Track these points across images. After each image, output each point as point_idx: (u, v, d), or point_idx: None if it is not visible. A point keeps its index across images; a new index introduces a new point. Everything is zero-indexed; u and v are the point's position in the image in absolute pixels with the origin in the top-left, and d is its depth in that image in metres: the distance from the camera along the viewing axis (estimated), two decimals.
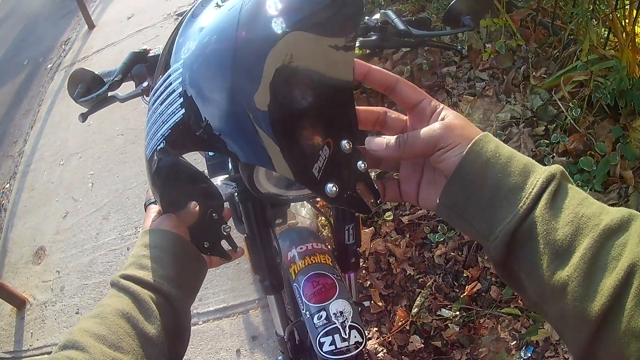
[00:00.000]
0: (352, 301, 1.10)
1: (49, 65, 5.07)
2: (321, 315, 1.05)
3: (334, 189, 0.59)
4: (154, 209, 0.85)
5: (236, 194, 1.04)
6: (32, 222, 3.37)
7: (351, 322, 1.05)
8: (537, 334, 1.78)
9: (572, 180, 0.54)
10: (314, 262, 1.14)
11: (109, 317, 0.65)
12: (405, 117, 0.65)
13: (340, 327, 1.04)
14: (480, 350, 1.83)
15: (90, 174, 3.45)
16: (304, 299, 1.09)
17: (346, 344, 1.02)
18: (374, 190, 0.65)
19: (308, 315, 1.07)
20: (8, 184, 3.86)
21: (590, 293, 0.46)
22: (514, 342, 1.81)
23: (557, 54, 2.25)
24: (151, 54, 1.04)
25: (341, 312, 1.05)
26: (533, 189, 0.51)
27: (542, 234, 0.50)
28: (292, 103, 0.59)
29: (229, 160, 1.32)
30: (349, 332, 1.03)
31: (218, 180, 1.02)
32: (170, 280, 0.72)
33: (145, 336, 0.66)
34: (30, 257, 3.14)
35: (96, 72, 1.05)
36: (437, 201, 0.59)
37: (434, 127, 0.57)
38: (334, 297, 1.07)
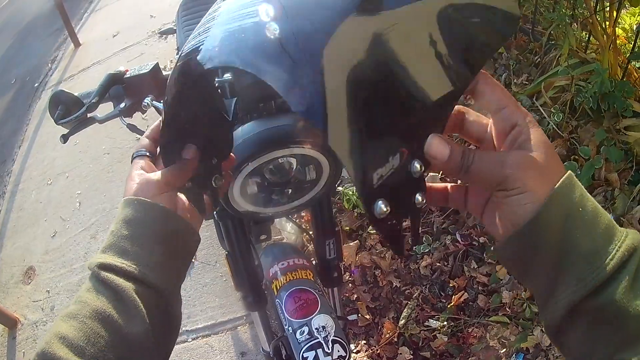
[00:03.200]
0: (334, 316, 1.10)
1: (36, 84, 5.06)
2: (303, 331, 1.05)
3: (385, 209, 0.46)
4: (139, 163, 0.68)
5: (215, 212, 1.04)
6: (22, 242, 3.35)
7: (334, 336, 1.05)
8: (527, 341, 1.78)
9: None
10: (295, 277, 1.15)
11: (87, 323, 0.56)
12: (486, 120, 0.53)
13: (323, 341, 1.04)
14: (469, 359, 1.83)
15: (78, 193, 3.44)
16: (286, 314, 1.09)
17: (329, 358, 1.02)
18: (417, 234, 0.57)
19: (291, 331, 1.07)
20: None
21: None
22: (504, 349, 1.81)
23: (538, 59, 2.27)
24: (127, 75, 1.05)
25: (323, 327, 1.06)
26: (612, 259, 0.43)
27: (614, 316, 0.43)
28: (392, 77, 0.46)
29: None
30: (332, 347, 1.04)
31: None
32: (157, 267, 0.61)
33: (129, 342, 0.57)
34: (21, 277, 3.12)
35: (75, 94, 1.05)
36: (496, 244, 0.50)
37: (504, 159, 0.46)
38: (316, 312, 1.08)
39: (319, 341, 1.04)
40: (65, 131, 1.07)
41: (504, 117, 0.49)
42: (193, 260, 2.58)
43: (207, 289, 2.46)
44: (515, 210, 0.46)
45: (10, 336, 2.85)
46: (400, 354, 1.89)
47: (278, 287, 1.14)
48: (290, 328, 1.07)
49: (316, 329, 1.05)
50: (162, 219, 0.63)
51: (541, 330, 1.78)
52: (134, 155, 0.70)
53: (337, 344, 1.04)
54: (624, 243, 0.44)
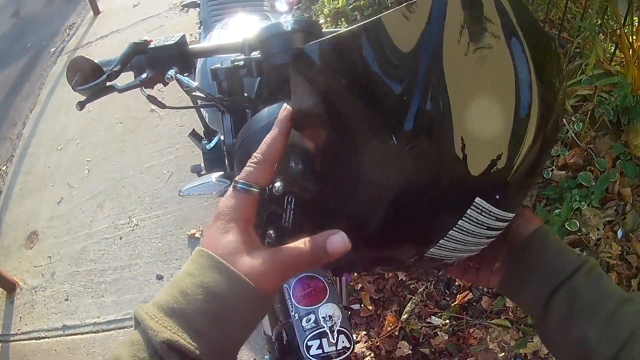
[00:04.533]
0: (342, 305, 1.09)
1: (52, 50, 5.05)
2: (310, 319, 1.04)
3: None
4: (244, 204, 0.51)
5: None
6: (27, 206, 3.36)
7: (340, 326, 1.04)
8: (526, 347, 1.77)
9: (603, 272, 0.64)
10: None
11: None
12: None
13: (328, 331, 1.03)
14: (468, 359, 1.83)
15: (87, 160, 3.44)
16: (293, 300, 1.08)
17: (334, 348, 1.01)
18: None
19: (297, 318, 1.06)
20: (5, 166, 3.84)
21: (604, 341, 0.56)
22: (503, 353, 1.81)
23: (563, 66, 2.24)
24: (152, 45, 1.03)
25: (330, 316, 1.05)
26: (572, 265, 0.61)
27: (572, 302, 0.60)
28: None
29: (226, 156, 1.31)
30: (337, 337, 1.03)
31: (212, 177, 1.01)
32: (225, 354, 0.48)
33: None
34: (23, 241, 3.13)
35: (96, 61, 1.04)
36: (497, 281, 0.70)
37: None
38: (324, 301, 1.07)
39: (325, 330, 1.03)
40: (82, 98, 1.06)
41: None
42: (199, 236, 2.58)
43: None
44: (518, 232, 0.66)
45: (9, 300, 2.86)
46: (400, 348, 1.88)
47: None
48: (296, 315, 1.06)
49: (323, 317, 1.04)
50: (257, 304, 0.48)
51: None
52: (235, 184, 0.52)
53: (343, 335, 1.03)
54: (580, 261, 0.61)
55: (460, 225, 0.49)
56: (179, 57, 1.00)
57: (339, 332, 1.03)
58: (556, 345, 0.64)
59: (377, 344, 1.91)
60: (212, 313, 0.45)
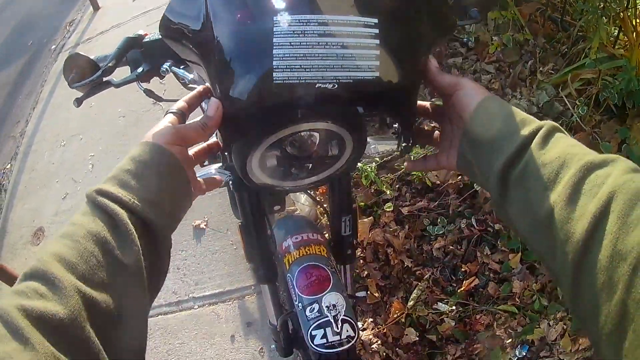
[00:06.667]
0: (345, 294, 1.09)
1: (53, 47, 5.04)
2: (313, 308, 1.04)
3: None
4: (168, 118, 0.72)
5: (230, 182, 1.02)
6: (32, 203, 3.36)
7: (344, 315, 1.04)
8: (533, 334, 1.77)
9: (567, 134, 0.61)
10: (308, 253, 1.13)
11: (81, 242, 0.57)
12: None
13: (332, 320, 1.02)
14: (475, 346, 1.82)
15: (91, 155, 3.44)
16: (296, 290, 1.08)
17: (338, 337, 1.01)
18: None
19: (300, 307, 1.06)
20: (9, 165, 3.84)
21: (574, 216, 0.51)
22: (510, 340, 1.80)
23: (566, 50, 2.22)
24: (146, 39, 1.02)
25: (334, 305, 1.04)
26: (525, 133, 0.60)
27: (532, 171, 0.57)
28: None
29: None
30: (341, 326, 1.02)
31: (212, 168, 1.01)
32: (153, 205, 0.63)
33: (120, 265, 0.58)
34: (29, 238, 3.13)
35: (91, 57, 1.03)
36: (455, 159, 0.71)
37: (459, 79, 0.71)
38: (328, 290, 1.06)
39: (329, 320, 1.02)
40: (80, 94, 1.06)
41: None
42: (204, 226, 2.58)
43: (217, 257, 2.46)
44: (468, 102, 0.67)
45: None
46: (407, 334, 1.88)
47: (290, 262, 1.13)
48: (300, 304, 1.06)
49: (326, 307, 1.04)
50: (167, 165, 0.66)
51: (548, 324, 1.77)
52: (166, 111, 0.74)
53: (347, 324, 1.03)
54: (536, 124, 0.61)
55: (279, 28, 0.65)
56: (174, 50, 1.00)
57: (343, 321, 1.03)
58: (521, 228, 0.59)
59: (384, 331, 1.91)
60: (132, 171, 0.64)
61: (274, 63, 0.65)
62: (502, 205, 0.62)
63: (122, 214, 0.60)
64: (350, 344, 1.01)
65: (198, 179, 0.79)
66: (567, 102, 2.05)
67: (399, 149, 0.82)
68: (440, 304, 1.92)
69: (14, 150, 3.96)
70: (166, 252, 0.67)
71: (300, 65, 0.65)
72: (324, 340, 1.00)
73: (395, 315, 1.92)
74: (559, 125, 0.61)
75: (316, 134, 0.78)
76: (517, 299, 1.85)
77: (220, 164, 1.02)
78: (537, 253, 0.58)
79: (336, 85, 0.66)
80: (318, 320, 1.02)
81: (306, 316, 1.04)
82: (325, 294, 1.05)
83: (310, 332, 1.02)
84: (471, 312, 1.89)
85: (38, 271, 0.54)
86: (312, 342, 1.01)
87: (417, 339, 1.88)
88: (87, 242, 0.57)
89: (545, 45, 2.31)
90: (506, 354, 1.78)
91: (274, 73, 0.65)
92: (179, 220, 0.71)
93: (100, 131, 3.59)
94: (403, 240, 2.07)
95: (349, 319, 1.03)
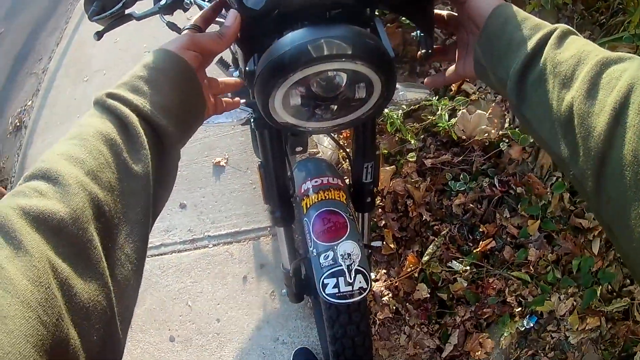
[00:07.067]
0: (361, 244, 1.06)
1: None
2: (328, 255, 1.01)
3: None
4: (186, 32, 0.71)
5: (252, 119, 0.99)
6: (51, 139, 3.34)
7: (358, 265, 1.01)
8: (543, 305, 1.75)
9: (581, 36, 0.60)
10: (327, 197, 1.10)
11: (89, 140, 0.54)
12: None
13: (346, 269, 1.00)
14: (484, 310, 1.81)
15: None
16: (312, 235, 1.05)
17: (350, 288, 0.99)
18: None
19: (315, 253, 1.03)
20: (30, 101, 3.81)
21: (594, 110, 0.49)
22: (519, 308, 1.78)
23: (604, 20, 2.11)
24: None
25: (349, 255, 1.02)
26: (539, 35, 0.59)
27: (549, 72, 0.57)
28: None
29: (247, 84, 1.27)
30: (355, 277, 1.00)
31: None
32: (165, 111, 0.61)
33: (128, 170, 0.55)
34: None
35: None
36: (472, 66, 0.71)
37: None
38: (344, 238, 1.03)
39: (342, 269, 1.00)
40: (100, 28, 1.02)
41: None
42: (224, 164, 2.56)
43: (235, 196, 2.45)
44: (483, 8, 0.67)
45: None
46: (418, 290, 1.87)
47: (308, 205, 1.10)
48: (315, 250, 1.03)
49: (341, 255, 1.01)
50: (180, 70, 0.64)
51: (559, 298, 1.75)
52: (184, 27, 0.73)
53: (360, 275, 1.00)
54: (551, 27, 0.60)
55: None
56: None
57: (357, 272, 1.00)
58: (541, 131, 0.59)
59: (397, 284, 1.90)
60: (145, 77, 0.62)
61: None
62: (520, 110, 0.61)
63: (133, 117, 0.57)
64: (362, 296, 0.99)
65: (216, 96, 0.77)
66: None
67: (419, 55, 0.82)
68: (455, 262, 1.89)
69: (35, 87, 3.92)
70: (173, 166, 0.64)
71: None
72: (336, 290, 0.98)
73: (409, 269, 1.90)
74: (572, 28, 0.60)
75: (343, 75, 0.73)
76: (531, 267, 1.81)
77: (243, 100, 0.98)
78: (557, 159, 0.56)
79: None
80: (332, 269, 1.00)
81: (320, 263, 1.01)
82: (341, 242, 1.02)
83: (323, 280, 0.99)
84: (484, 274, 1.86)
85: (41, 170, 0.50)
86: (324, 291, 0.98)
87: (429, 295, 1.86)
88: (96, 140, 0.54)
89: (584, 12, 2.19)
90: (514, 322, 1.76)
91: None
92: (190, 134, 0.68)
93: (124, 67, 3.53)
94: (423, 192, 2.03)
95: (363, 270, 1.01)
